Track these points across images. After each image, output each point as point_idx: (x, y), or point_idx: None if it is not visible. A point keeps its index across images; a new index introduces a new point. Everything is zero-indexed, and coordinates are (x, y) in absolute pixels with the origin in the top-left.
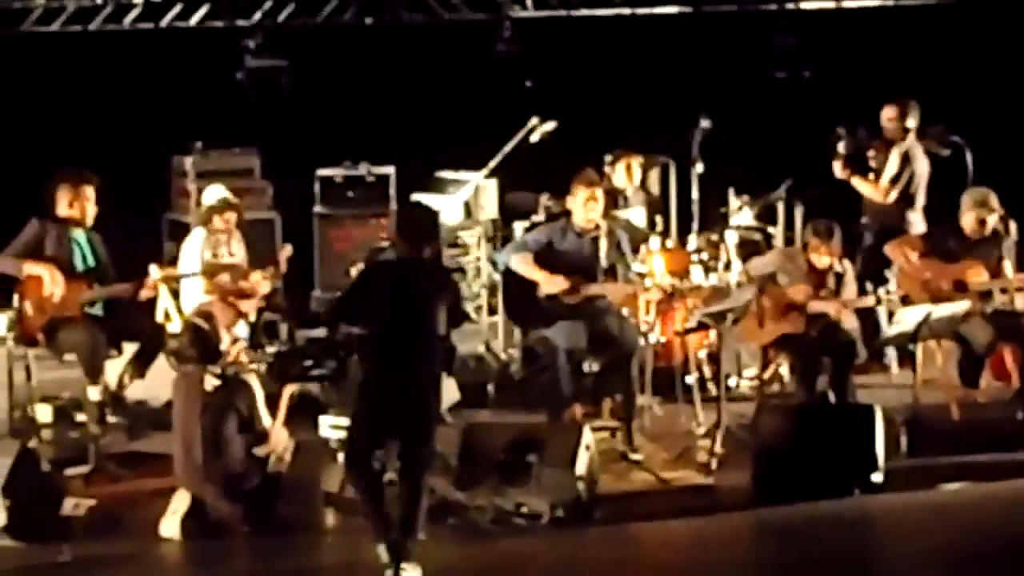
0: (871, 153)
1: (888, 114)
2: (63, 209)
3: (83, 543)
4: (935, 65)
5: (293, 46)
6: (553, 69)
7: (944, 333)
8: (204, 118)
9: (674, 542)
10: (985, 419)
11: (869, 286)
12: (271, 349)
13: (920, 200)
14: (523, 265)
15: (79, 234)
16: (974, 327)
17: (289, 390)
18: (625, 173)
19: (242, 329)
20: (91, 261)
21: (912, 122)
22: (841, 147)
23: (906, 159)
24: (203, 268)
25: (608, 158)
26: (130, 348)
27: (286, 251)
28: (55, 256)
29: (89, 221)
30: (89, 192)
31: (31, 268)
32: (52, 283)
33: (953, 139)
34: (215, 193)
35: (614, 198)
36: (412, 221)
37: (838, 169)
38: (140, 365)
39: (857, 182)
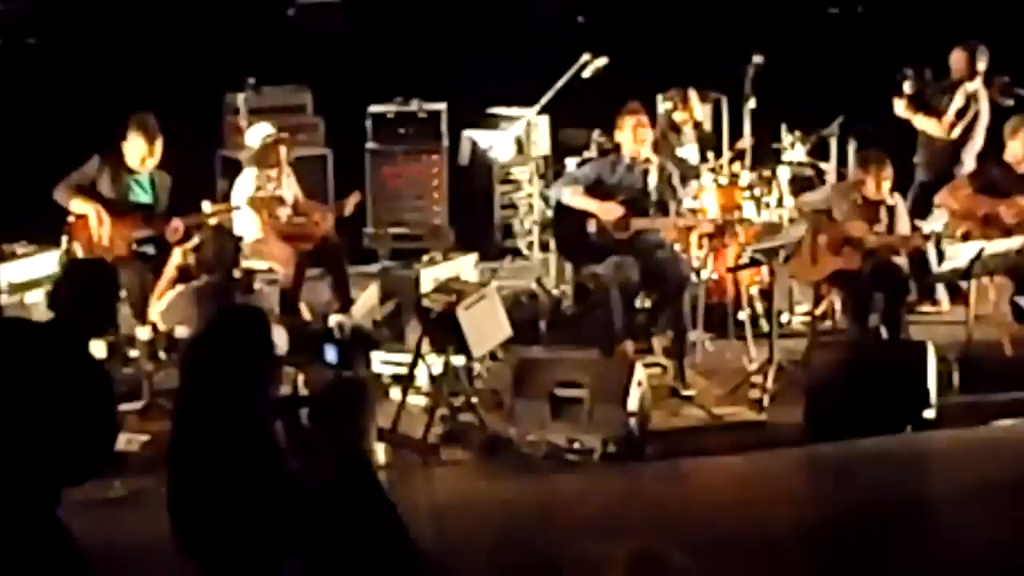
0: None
1: (958, 56)
2: (130, 155)
3: (136, 478)
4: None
5: None
6: (605, 4)
7: (997, 269)
8: (256, 55)
9: (726, 478)
10: None
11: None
12: None
13: (978, 143)
14: (576, 197)
15: (141, 175)
16: None
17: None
18: (700, 105)
19: None
20: (147, 199)
21: (982, 65)
22: (907, 87)
23: (973, 99)
24: (248, 201)
25: (671, 94)
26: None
27: (354, 198)
28: (109, 196)
29: (152, 166)
30: (157, 146)
31: (78, 206)
32: (98, 224)
33: (1018, 92)
34: (260, 132)
35: (676, 133)
36: None
37: (901, 108)
38: None
39: (920, 119)
